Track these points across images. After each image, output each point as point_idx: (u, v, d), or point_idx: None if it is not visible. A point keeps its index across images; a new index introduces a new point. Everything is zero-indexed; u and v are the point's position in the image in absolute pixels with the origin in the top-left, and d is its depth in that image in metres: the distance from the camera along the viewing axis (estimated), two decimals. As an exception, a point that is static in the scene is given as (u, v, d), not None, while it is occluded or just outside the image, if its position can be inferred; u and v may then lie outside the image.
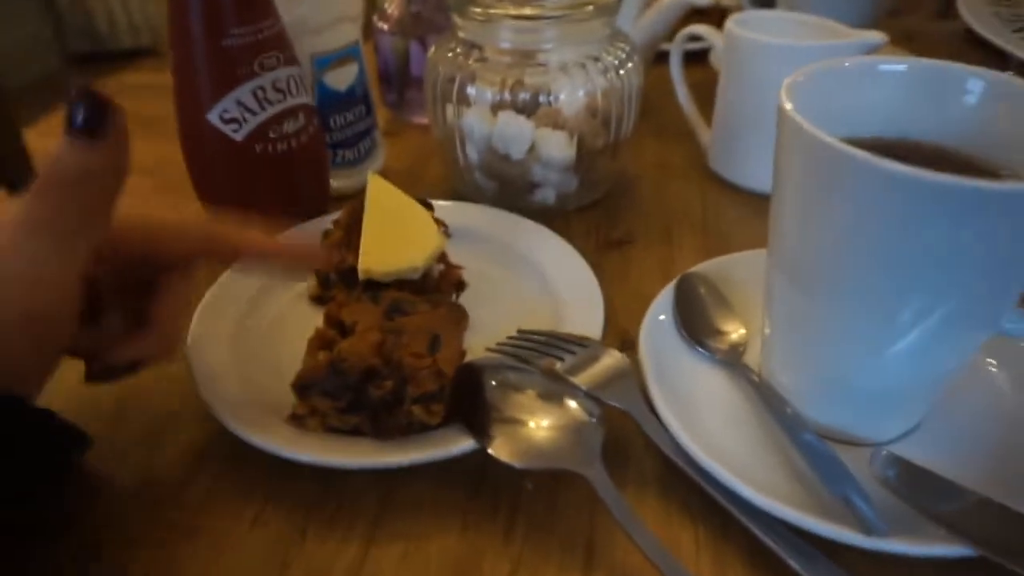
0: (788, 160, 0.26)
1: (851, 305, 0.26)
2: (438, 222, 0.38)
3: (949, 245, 0.23)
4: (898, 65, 0.27)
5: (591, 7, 0.41)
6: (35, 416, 0.23)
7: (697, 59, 0.60)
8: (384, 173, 0.41)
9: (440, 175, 0.51)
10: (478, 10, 0.41)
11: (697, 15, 0.54)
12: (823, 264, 0.26)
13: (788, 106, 0.25)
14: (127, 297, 0.28)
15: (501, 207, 0.43)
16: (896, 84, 0.28)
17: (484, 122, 0.43)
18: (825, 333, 0.28)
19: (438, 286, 0.37)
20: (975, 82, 0.27)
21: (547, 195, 0.45)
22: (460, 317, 0.35)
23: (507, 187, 0.45)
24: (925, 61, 0.27)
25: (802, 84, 0.26)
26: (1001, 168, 0.26)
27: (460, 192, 0.48)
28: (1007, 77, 0.27)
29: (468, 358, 0.32)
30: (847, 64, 0.27)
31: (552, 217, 0.43)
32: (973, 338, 0.27)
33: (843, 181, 0.24)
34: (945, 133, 0.28)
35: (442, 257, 0.38)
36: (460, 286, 0.38)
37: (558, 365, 0.31)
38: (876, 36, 0.42)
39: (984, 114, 0.27)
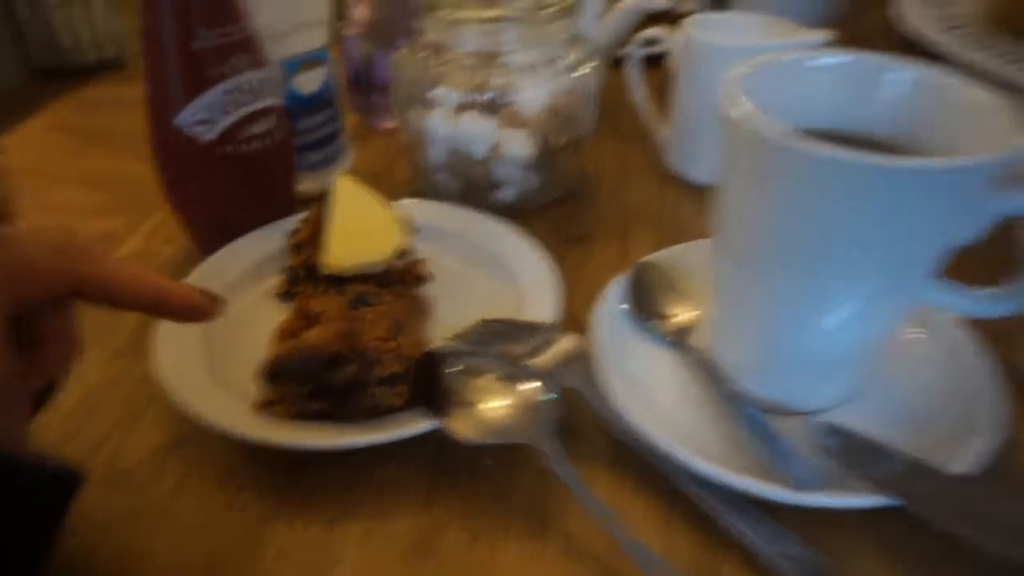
0: (725, 146, 0.28)
1: (782, 279, 0.28)
2: (401, 219, 0.39)
3: (861, 219, 0.25)
4: (828, 59, 0.29)
5: (551, 9, 0.43)
6: (31, 465, 0.22)
7: (657, 62, 0.62)
8: (352, 175, 0.42)
9: (407, 176, 0.52)
10: (443, 12, 0.43)
11: (654, 19, 0.56)
12: (754, 242, 0.28)
13: (723, 98, 0.26)
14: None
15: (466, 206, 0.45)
16: (827, 77, 0.29)
17: (447, 123, 0.44)
18: (763, 308, 0.30)
19: (402, 279, 0.38)
20: (902, 74, 0.29)
21: (509, 194, 0.47)
22: (422, 307, 0.36)
23: (471, 186, 0.47)
24: (854, 54, 0.29)
25: (742, 77, 0.28)
26: (924, 152, 0.28)
27: (426, 193, 0.49)
28: (931, 69, 0.29)
29: (429, 347, 0.34)
30: (783, 59, 0.29)
31: (515, 215, 0.45)
32: (894, 308, 0.29)
33: (764, 163, 0.26)
34: (875, 123, 0.29)
35: (405, 252, 0.39)
36: (422, 279, 0.40)
37: (516, 349, 0.33)
38: (819, 35, 0.44)
39: (912, 103, 0.29)
